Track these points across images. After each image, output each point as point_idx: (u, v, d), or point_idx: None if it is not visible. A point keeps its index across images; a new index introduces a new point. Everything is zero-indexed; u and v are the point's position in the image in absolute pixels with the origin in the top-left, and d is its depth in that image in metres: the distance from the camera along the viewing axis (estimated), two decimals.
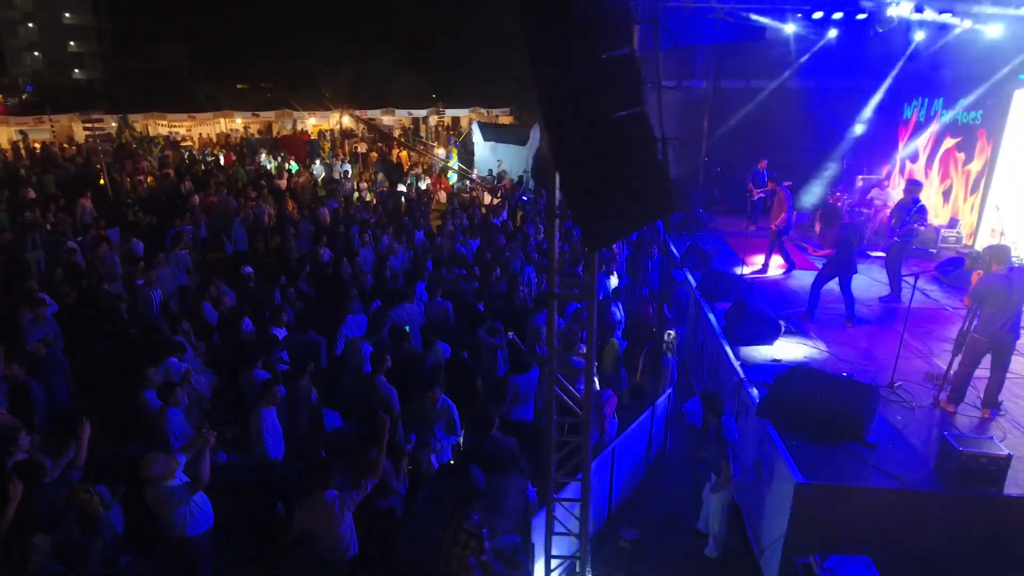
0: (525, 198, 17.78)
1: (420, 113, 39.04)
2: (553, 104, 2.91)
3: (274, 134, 33.49)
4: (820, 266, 9.55)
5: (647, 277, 10.60)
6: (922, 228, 9.34)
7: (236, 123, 32.84)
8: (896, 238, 8.96)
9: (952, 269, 9.87)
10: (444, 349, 6.81)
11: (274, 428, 5.52)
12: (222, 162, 22.19)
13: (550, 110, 2.91)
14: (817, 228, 12.02)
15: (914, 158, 13.57)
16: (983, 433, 5.89)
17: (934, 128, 12.94)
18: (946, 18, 11.23)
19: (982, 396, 6.18)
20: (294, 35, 47.89)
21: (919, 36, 12.49)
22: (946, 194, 12.67)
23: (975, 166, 12.05)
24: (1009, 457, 4.86)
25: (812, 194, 14.75)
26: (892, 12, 11.41)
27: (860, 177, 13.96)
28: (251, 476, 5.88)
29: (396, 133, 35.92)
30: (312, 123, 35.01)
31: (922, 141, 13.26)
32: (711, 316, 8.46)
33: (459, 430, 5.76)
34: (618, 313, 8.54)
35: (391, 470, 5.14)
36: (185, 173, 18.80)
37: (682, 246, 11.75)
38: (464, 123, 40.77)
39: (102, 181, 18.09)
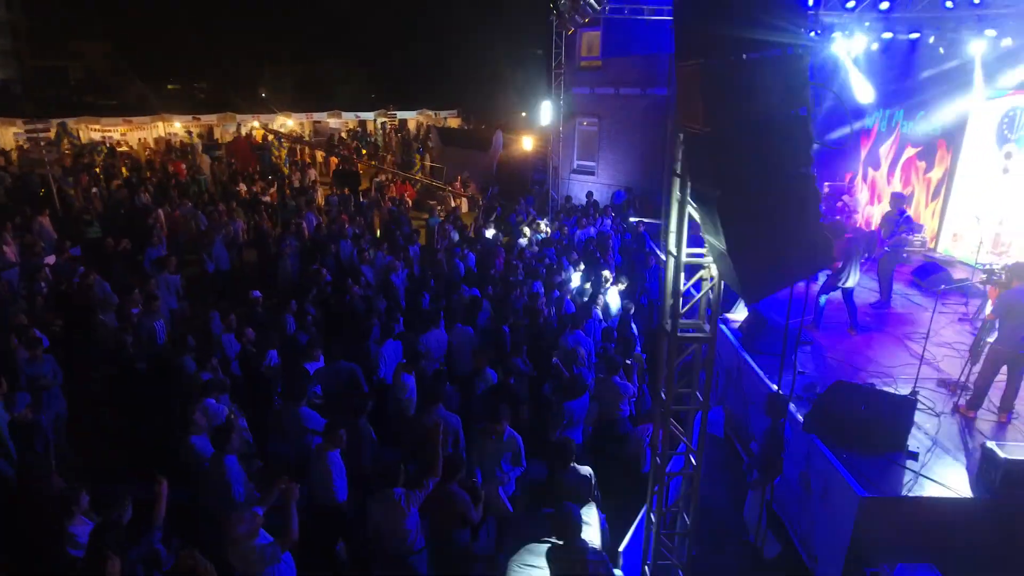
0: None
1: (367, 116, 38.32)
2: (728, 162, 2.96)
3: (216, 138, 32.14)
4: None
5: (646, 287, 10.78)
6: (911, 237, 9.93)
7: (175, 127, 31.25)
8: (887, 248, 9.51)
9: (929, 274, 10.55)
10: (491, 375, 6.76)
11: (341, 470, 5.35)
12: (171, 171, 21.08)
13: (725, 168, 2.96)
14: None
15: (876, 165, 14.37)
16: (1003, 436, 6.37)
17: (895, 137, 13.77)
18: (912, 36, 11.94)
19: (997, 401, 6.66)
20: (228, 33, 45.99)
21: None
22: (908, 200, 13.49)
23: (935, 174, 12.91)
24: None
25: None
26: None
27: (827, 184, 14.66)
28: (303, 516, 5.69)
29: (344, 135, 35.14)
30: (256, 126, 33.77)
31: (884, 149, 14.07)
32: (724, 328, 8.73)
33: (523, 461, 5.74)
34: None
35: (469, 502, 5.08)
36: (137, 184, 17.77)
37: None
38: (412, 125, 40.35)
39: (42, 192, 16.90)
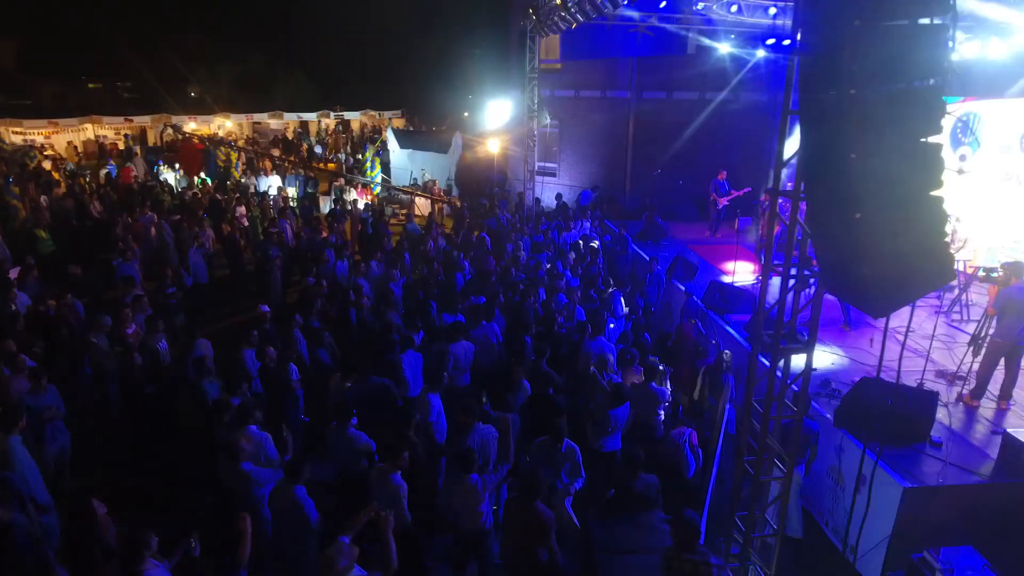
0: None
1: (310, 117, 37.27)
2: (872, 186, 3.09)
3: (150, 142, 30.55)
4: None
5: (645, 291, 10.99)
6: None
7: (104, 129, 29.44)
8: None
9: None
10: (526, 386, 6.76)
11: (406, 491, 5.24)
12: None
13: (869, 192, 3.10)
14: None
15: None
16: (1004, 422, 6.90)
17: None
18: None
19: (996, 390, 7.19)
20: (153, 28, 43.43)
21: None
22: None
23: None
24: None
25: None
26: None
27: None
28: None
29: (289, 136, 34.09)
30: (192, 127, 32.25)
31: None
32: (730, 329, 9.04)
33: (583, 472, 5.77)
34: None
35: (553, 521, 5.07)
36: (80, 193, 16.65)
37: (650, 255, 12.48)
38: (356, 126, 39.53)
39: None
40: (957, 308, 9.79)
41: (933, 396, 6.46)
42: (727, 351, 7.59)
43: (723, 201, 13.99)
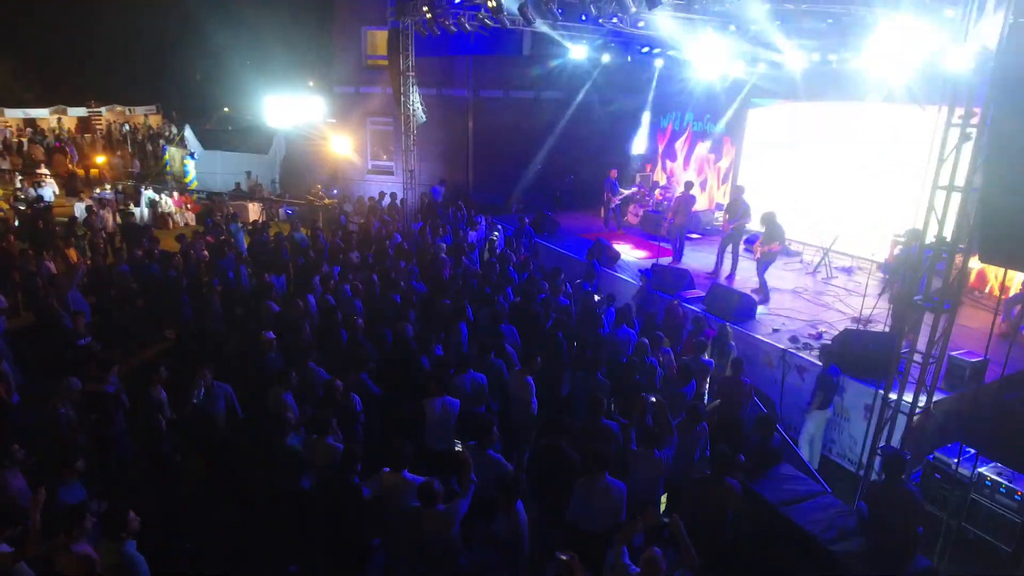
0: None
1: (40, 113, 30.56)
2: None
3: None
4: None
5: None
6: (747, 222, 12.20)
7: None
8: (730, 230, 11.84)
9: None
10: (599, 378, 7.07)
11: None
12: None
13: None
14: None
15: (672, 158, 17.54)
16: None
17: (687, 135, 17.01)
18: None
19: None
20: None
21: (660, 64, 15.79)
22: (703, 185, 16.89)
23: (723, 164, 16.41)
24: (987, 360, 7.85)
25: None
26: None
27: (638, 175, 17.34)
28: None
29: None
30: None
31: (679, 144, 17.25)
32: (690, 306, 10.21)
33: (708, 452, 6.32)
34: None
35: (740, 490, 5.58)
36: None
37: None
38: (102, 124, 33.45)
39: None
40: (821, 268, 12.27)
41: (894, 336, 8.28)
42: (727, 325, 8.73)
43: (616, 200, 15.23)
